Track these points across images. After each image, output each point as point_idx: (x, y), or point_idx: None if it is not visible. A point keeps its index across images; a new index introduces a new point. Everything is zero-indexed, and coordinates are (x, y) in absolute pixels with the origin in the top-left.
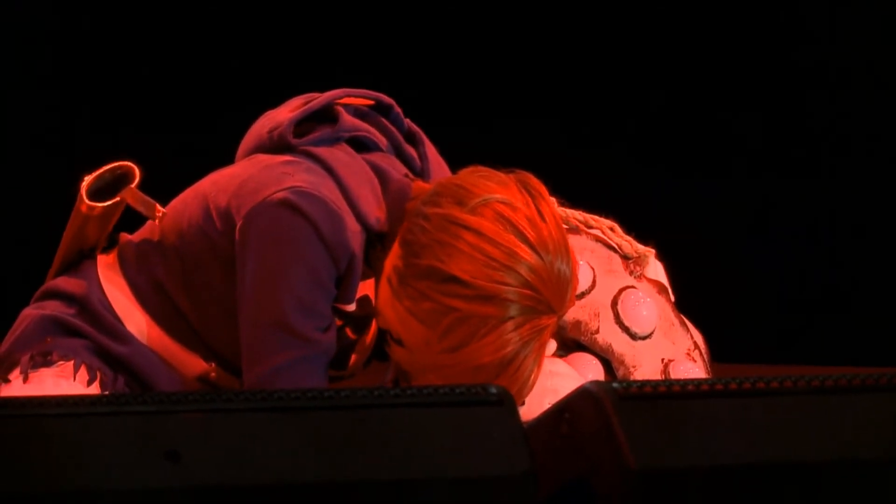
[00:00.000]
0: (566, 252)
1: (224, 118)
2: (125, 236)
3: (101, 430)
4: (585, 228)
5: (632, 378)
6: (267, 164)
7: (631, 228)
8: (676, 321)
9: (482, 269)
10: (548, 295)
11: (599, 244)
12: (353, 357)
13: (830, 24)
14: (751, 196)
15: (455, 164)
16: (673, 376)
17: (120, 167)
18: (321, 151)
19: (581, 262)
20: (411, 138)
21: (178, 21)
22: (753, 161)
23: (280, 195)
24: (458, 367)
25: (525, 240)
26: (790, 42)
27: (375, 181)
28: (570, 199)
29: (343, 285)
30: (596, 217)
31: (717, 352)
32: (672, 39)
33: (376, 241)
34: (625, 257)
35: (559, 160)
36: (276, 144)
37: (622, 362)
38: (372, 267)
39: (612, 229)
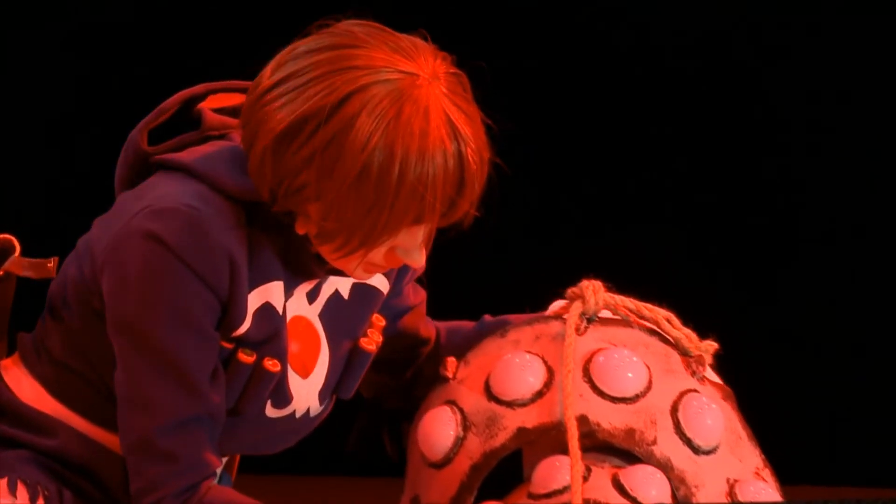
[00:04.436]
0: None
1: None
2: (21, 335)
3: None
4: (637, 318)
5: (693, 500)
6: (123, 197)
7: (689, 320)
8: (744, 434)
9: (314, 91)
10: (399, 60)
11: (654, 338)
12: (292, 393)
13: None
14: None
15: None
16: (741, 500)
17: None
18: (178, 156)
19: (634, 359)
20: None
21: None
22: (817, 262)
23: (135, 223)
24: (352, 201)
25: (348, 45)
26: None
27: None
28: (620, 285)
29: (230, 306)
30: (650, 306)
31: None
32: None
33: (282, 219)
34: (684, 353)
35: (604, 240)
36: (131, 160)
37: (682, 481)
38: (291, 246)
39: (668, 321)
